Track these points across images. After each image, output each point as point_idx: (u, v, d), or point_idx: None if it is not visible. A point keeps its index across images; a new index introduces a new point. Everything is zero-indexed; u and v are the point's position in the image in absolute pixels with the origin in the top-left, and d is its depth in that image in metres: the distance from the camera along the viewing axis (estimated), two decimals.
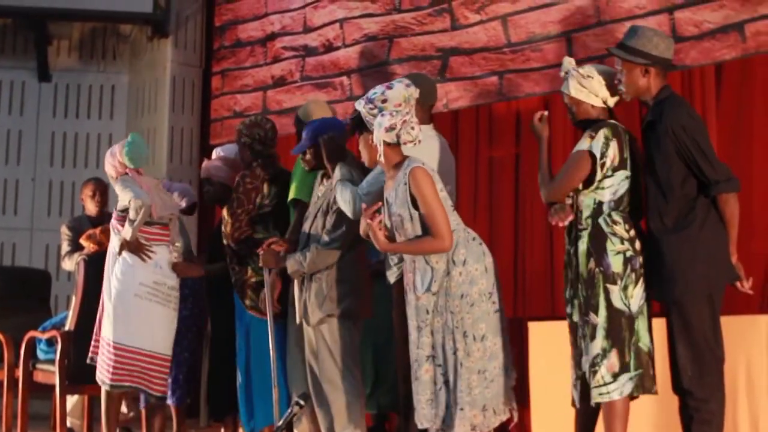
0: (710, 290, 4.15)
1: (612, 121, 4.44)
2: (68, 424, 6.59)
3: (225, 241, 5.51)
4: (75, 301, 6.15)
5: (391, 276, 4.76)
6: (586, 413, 4.42)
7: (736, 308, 4.84)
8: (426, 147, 4.54)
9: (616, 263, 4.25)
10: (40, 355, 6.55)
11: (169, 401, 6.20)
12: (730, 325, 4.43)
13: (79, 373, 5.83)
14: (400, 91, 4.43)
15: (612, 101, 4.46)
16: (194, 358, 6.22)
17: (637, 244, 4.30)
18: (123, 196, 5.65)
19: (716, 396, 4.13)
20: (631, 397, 4.29)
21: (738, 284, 4.25)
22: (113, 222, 5.75)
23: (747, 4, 5.61)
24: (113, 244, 5.73)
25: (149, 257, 5.67)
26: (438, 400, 4.26)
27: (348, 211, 4.76)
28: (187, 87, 8.92)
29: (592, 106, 4.46)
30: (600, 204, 4.33)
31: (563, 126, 5.72)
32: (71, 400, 6.75)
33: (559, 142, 5.83)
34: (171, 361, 5.78)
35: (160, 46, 8.94)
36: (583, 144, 4.36)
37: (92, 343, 5.80)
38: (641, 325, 4.27)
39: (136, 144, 5.79)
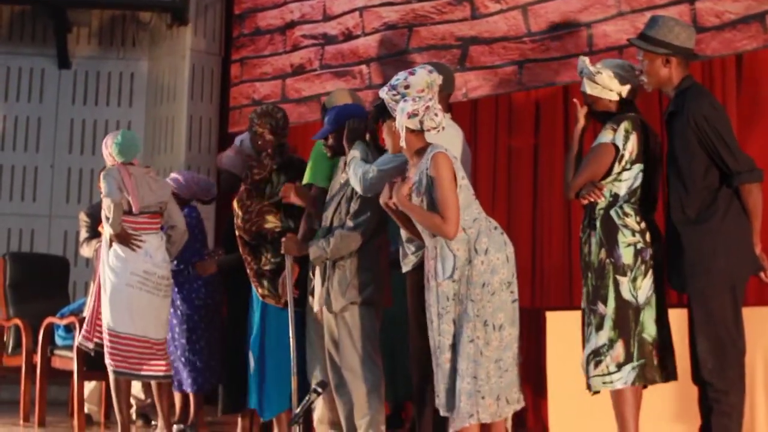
0: (733, 282, 4.11)
1: (632, 114, 4.42)
2: (86, 410, 6.63)
3: (237, 233, 5.52)
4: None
5: (407, 264, 4.71)
6: None
7: (764, 299, 4.81)
8: (447, 135, 4.51)
9: (626, 255, 4.26)
10: (58, 341, 6.60)
11: (187, 389, 6.22)
12: (753, 315, 4.41)
13: (97, 359, 5.85)
14: (423, 77, 4.41)
15: (624, 90, 4.43)
16: (210, 347, 6.25)
17: (648, 236, 4.30)
18: (102, 190, 5.76)
19: (737, 388, 4.10)
20: (644, 385, 4.30)
21: (762, 275, 4.21)
22: (103, 211, 5.80)
23: None
24: (106, 233, 5.79)
25: (139, 246, 5.72)
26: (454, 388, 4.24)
27: (358, 186, 4.73)
28: (206, 75, 8.92)
29: (610, 100, 4.46)
30: (616, 196, 4.34)
31: None
32: (89, 386, 6.79)
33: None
34: (167, 344, 5.86)
35: (179, 34, 8.94)
36: (606, 136, 4.35)
37: (85, 328, 5.83)
38: (647, 315, 4.27)
39: (126, 140, 5.84)
